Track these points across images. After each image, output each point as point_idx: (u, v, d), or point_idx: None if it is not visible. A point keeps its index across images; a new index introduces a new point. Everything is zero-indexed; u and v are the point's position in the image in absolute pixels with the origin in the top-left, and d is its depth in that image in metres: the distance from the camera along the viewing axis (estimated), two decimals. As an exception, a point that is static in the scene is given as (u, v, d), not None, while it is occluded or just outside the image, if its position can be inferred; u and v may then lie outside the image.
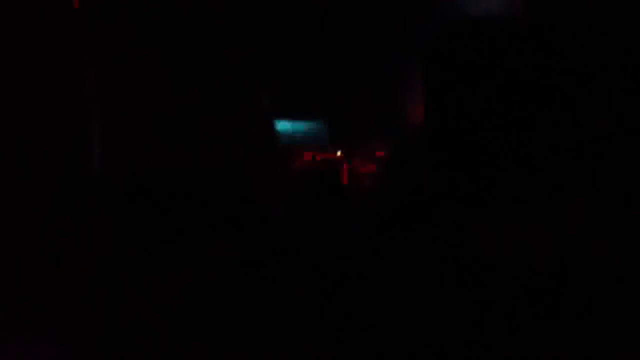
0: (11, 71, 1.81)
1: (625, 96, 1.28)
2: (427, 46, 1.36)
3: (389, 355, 1.20)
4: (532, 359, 1.07)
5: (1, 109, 1.79)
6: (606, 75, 1.29)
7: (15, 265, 1.78)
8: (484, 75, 1.22)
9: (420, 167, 1.39)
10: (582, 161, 1.28)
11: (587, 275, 1.12)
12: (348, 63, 2.31)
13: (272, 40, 2.33)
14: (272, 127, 2.16)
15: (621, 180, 1.23)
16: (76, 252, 1.81)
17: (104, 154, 1.97)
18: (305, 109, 2.23)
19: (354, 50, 2.33)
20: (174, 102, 2.19)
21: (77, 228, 1.83)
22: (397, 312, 1.25)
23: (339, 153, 1.98)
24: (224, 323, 1.66)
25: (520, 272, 1.14)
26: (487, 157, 1.30)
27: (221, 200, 1.98)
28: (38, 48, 1.84)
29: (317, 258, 1.75)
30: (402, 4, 2.21)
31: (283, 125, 2.13)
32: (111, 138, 2.01)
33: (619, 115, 1.28)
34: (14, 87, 1.82)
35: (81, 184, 1.88)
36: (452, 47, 1.28)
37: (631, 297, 1.09)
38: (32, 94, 1.86)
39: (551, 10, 1.37)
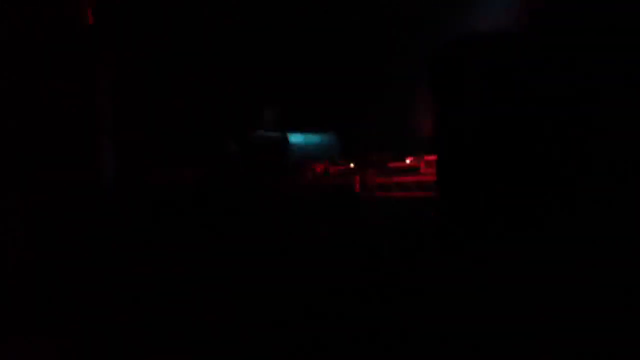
0: (27, 84, 1.88)
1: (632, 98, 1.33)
2: (434, 61, 1.41)
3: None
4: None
5: (16, 121, 1.86)
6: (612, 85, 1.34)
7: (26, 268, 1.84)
8: (491, 87, 1.28)
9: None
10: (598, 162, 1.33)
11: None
12: (358, 78, 2.37)
13: (283, 56, 2.40)
14: (285, 141, 2.22)
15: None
16: (89, 259, 1.88)
17: (115, 166, 2.03)
18: (317, 122, 2.29)
19: (364, 65, 2.39)
20: (184, 117, 2.26)
21: (90, 234, 1.90)
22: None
23: (351, 165, 2.03)
24: (229, 321, 1.71)
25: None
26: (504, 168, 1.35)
27: (234, 209, 2.03)
28: (54, 63, 1.91)
29: (331, 264, 1.80)
30: (409, 21, 2.27)
31: (296, 138, 2.18)
32: (122, 150, 2.08)
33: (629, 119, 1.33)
34: (29, 100, 1.90)
35: (94, 196, 1.94)
36: (460, 61, 1.33)
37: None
38: (47, 108, 1.93)
39: (552, 22, 1.42)
